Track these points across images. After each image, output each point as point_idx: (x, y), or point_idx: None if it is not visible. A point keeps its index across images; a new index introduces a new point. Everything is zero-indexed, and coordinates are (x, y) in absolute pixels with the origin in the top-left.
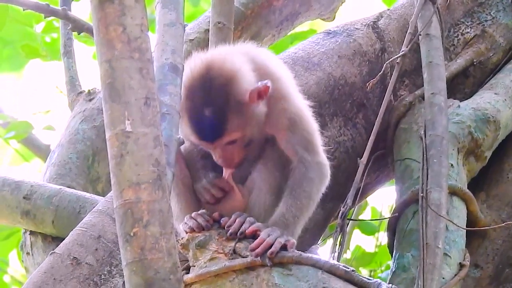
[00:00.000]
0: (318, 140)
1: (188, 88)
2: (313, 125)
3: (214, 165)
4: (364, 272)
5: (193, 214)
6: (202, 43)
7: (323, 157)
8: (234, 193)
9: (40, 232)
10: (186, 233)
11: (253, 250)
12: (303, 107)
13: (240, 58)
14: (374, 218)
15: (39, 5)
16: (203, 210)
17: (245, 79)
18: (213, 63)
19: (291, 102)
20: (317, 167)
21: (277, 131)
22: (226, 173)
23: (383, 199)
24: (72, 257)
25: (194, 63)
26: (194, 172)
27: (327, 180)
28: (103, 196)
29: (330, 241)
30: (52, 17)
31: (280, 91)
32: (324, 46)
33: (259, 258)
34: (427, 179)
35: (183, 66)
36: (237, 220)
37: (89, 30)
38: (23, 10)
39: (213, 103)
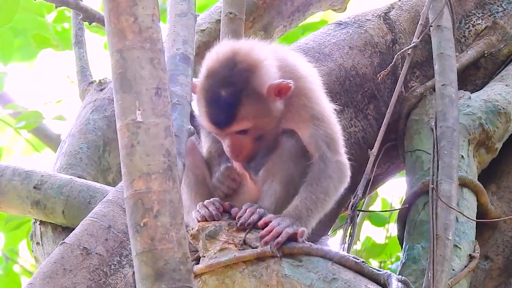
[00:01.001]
0: (341, 140)
1: (209, 68)
2: (337, 126)
3: (228, 161)
4: (374, 264)
5: (205, 202)
6: (213, 34)
7: (344, 157)
8: (248, 185)
9: (50, 222)
10: (198, 221)
11: (262, 237)
12: (327, 108)
13: (267, 52)
14: (384, 210)
15: None
16: (216, 198)
17: (267, 72)
18: (240, 50)
19: (314, 101)
20: (336, 165)
21: (298, 125)
22: (236, 165)
23: (394, 190)
24: (82, 247)
25: (221, 48)
26: (211, 169)
27: (346, 180)
28: (114, 186)
29: (340, 232)
30: (63, 7)
31: (302, 90)
32: (335, 37)
33: (269, 248)
34: (438, 170)
35: (194, 56)
36: (247, 211)
37: (100, 20)
38: (34, 0)
39: (231, 85)
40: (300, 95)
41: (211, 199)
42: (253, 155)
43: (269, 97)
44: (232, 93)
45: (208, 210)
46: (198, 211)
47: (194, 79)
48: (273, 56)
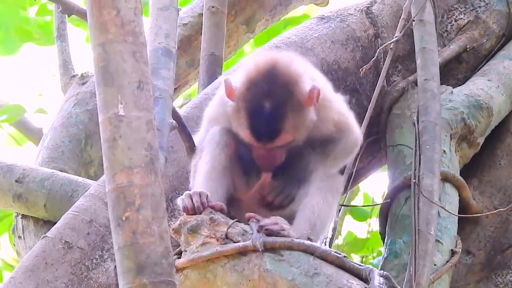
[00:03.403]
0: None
1: (250, 79)
2: (357, 129)
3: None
4: (355, 258)
5: (192, 191)
6: (195, 27)
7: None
8: (264, 189)
9: (32, 216)
10: (181, 210)
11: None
12: (345, 111)
13: (304, 63)
14: (366, 204)
15: None
16: (205, 192)
17: (306, 82)
18: (279, 61)
19: (335, 109)
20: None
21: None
22: (264, 176)
23: (376, 184)
24: (63, 241)
25: (259, 58)
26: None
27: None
28: (96, 180)
29: None
30: (45, 0)
31: (324, 100)
32: (318, 31)
33: (251, 242)
34: (420, 165)
35: (176, 50)
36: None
37: (80, 13)
38: None
39: (275, 97)
40: (325, 106)
41: (199, 191)
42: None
43: (308, 106)
44: (277, 106)
45: (191, 201)
46: (183, 199)
47: (232, 84)
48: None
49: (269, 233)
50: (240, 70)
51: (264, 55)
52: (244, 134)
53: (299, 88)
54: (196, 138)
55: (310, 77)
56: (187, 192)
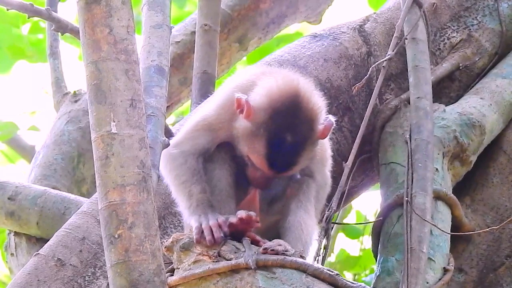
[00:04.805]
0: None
1: (274, 109)
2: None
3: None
4: (348, 276)
5: (211, 223)
6: (188, 45)
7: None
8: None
9: (24, 233)
10: (197, 239)
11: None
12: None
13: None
14: (358, 222)
15: (23, 4)
16: (223, 219)
17: (323, 115)
18: (301, 91)
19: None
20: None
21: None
22: (254, 191)
23: (368, 203)
24: (56, 259)
25: (281, 83)
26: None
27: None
28: (88, 198)
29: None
30: (38, 18)
31: None
32: (310, 49)
33: (243, 260)
34: (412, 183)
35: (169, 68)
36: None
37: (73, 31)
38: (7, 10)
39: (298, 132)
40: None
41: (220, 220)
42: None
43: (319, 139)
44: (298, 141)
45: (213, 235)
46: (200, 227)
47: (251, 105)
48: None
49: (275, 253)
50: (259, 90)
51: (286, 80)
52: (259, 160)
53: (318, 122)
54: (178, 138)
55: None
56: (205, 223)
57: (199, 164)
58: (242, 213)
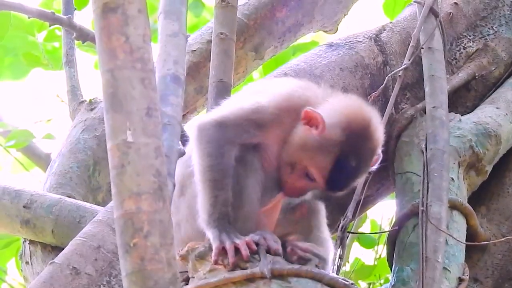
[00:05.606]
0: None
1: (351, 132)
2: None
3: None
4: (363, 285)
5: (239, 242)
6: (204, 54)
7: None
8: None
9: (39, 242)
10: (217, 262)
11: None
12: None
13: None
14: (374, 231)
15: (44, 13)
16: (254, 237)
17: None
18: (373, 121)
19: None
20: None
21: None
22: (279, 198)
23: (383, 212)
24: (71, 267)
25: (357, 107)
26: None
27: None
28: (104, 206)
29: None
30: (54, 26)
31: None
32: (326, 58)
33: (258, 269)
34: (428, 192)
35: (185, 76)
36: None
37: (94, 39)
38: (28, 18)
39: (363, 159)
40: None
41: (250, 238)
42: None
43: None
44: (360, 168)
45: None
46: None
47: (319, 116)
48: None
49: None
50: (335, 107)
51: (360, 103)
52: (319, 174)
53: (377, 153)
54: (224, 113)
55: None
56: (228, 242)
57: (232, 161)
58: (270, 244)
